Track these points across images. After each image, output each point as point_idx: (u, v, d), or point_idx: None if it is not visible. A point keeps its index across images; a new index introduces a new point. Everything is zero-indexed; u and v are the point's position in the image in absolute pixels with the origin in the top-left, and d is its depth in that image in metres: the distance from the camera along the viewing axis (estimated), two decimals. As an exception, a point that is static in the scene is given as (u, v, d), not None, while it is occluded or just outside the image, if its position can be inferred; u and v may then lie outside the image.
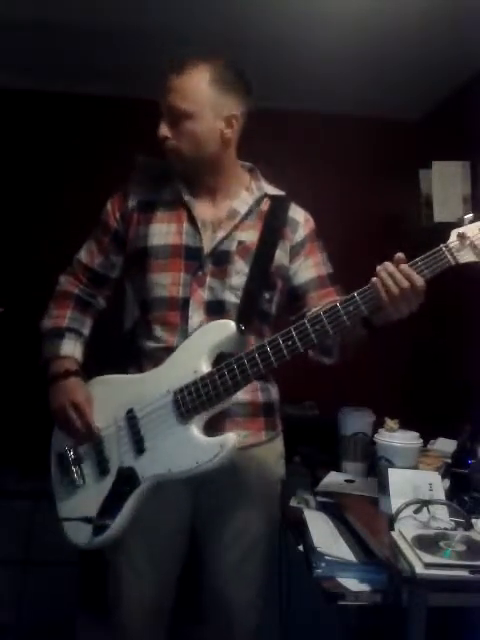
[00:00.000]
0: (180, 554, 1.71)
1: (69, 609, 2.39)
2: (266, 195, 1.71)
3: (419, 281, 1.42)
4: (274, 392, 1.75)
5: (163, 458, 1.55)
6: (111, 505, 1.57)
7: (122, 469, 1.59)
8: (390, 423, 1.87)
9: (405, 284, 1.42)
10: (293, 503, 1.91)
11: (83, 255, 1.79)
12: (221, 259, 1.65)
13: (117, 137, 3.02)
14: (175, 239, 1.66)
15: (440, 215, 2.73)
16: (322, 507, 1.85)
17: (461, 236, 1.44)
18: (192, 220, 1.67)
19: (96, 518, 1.57)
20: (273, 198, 1.72)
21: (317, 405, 2.87)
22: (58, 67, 2.86)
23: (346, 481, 1.99)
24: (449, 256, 1.43)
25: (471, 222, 1.45)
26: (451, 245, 1.44)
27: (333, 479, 2.01)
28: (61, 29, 2.52)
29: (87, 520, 1.57)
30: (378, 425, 2.00)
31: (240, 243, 1.65)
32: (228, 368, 1.52)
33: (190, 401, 1.53)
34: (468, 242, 1.43)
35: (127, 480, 1.57)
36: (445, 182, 2.73)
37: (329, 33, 2.45)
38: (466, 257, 1.44)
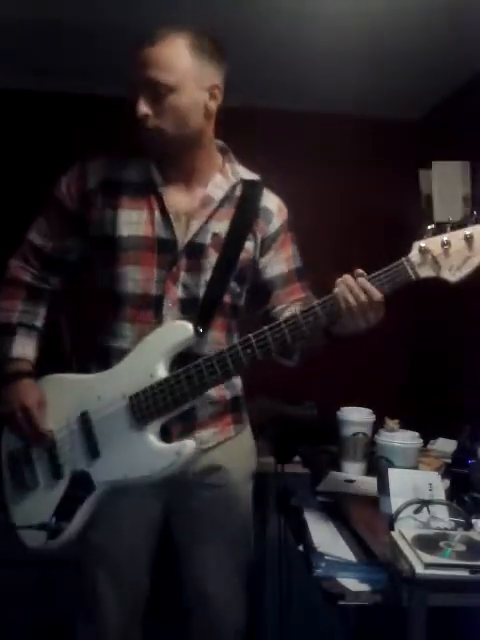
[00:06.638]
0: (152, 550, 1.66)
1: (68, 608, 2.39)
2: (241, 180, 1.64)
3: (376, 295, 1.42)
4: (239, 385, 1.70)
5: (118, 464, 1.51)
6: (66, 509, 1.51)
7: (76, 473, 1.53)
8: (390, 423, 1.88)
9: (362, 297, 1.42)
10: (293, 503, 1.91)
11: (35, 237, 1.65)
12: (195, 252, 1.56)
13: (118, 137, 3.02)
14: (147, 230, 1.55)
15: (440, 215, 2.72)
16: (322, 507, 1.85)
17: (423, 250, 1.41)
18: (163, 210, 1.56)
19: (50, 523, 1.49)
20: (246, 183, 1.64)
21: (317, 405, 2.86)
22: (58, 67, 2.85)
23: (346, 481, 1.99)
24: (410, 270, 1.42)
25: (434, 234, 1.42)
26: (412, 259, 1.42)
27: (333, 479, 2.01)
28: (61, 29, 2.52)
29: (42, 527, 1.48)
30: (378, 425, 2.01)
31: (214, 235, 1.58)
32: (186, 374, 1.48)
33: (146, 407, 1.49)
34: (429, 257, 1.41)
35: (81, 485, 1.52)
36: (445, 182, 2.72)
37: (329, 33, 2.45)
38: (426, 272, 1.42)
